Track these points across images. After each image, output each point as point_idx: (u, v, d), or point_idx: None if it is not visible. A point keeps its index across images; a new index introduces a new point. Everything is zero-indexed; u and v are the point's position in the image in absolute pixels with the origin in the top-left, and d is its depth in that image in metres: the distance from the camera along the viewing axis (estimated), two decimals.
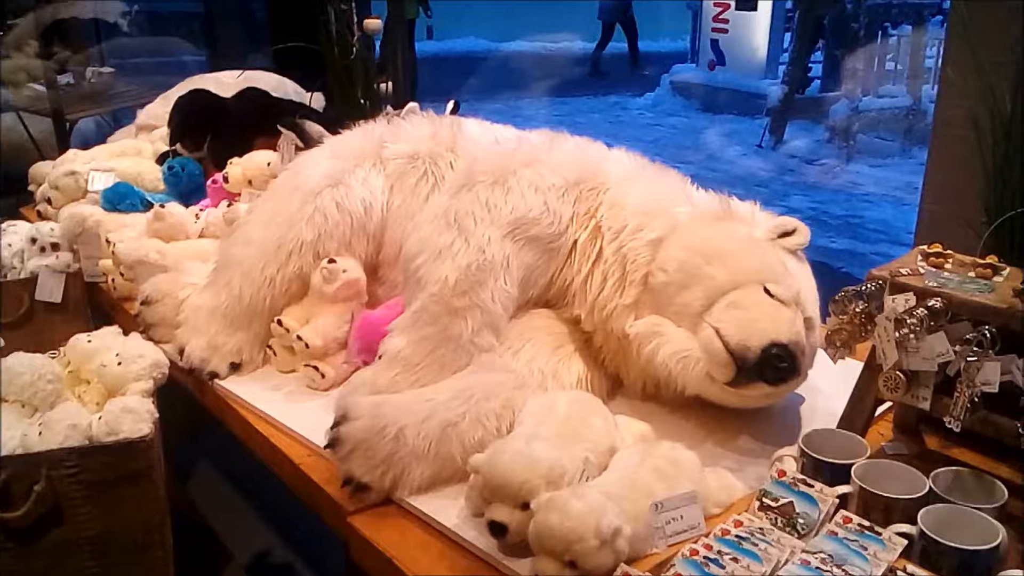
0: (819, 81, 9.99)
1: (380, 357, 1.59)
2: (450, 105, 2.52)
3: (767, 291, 1.54)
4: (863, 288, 1.39)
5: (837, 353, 1.42)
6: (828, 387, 1.72)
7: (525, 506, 1.28)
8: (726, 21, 11.53)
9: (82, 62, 5.21)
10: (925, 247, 1.49)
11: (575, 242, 1.71)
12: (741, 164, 8.51)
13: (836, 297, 1.39)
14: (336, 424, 1.48)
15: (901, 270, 1.41)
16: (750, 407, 1.61)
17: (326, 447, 1.50)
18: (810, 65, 9.61)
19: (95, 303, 2.49)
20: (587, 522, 1.19)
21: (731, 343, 1.50)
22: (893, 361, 1.32)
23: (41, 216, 2.89)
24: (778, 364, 1.49)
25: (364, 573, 1.49)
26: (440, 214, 1.68)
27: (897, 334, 1.31)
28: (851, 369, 1.50)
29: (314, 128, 2.47)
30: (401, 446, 1.45)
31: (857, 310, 1.37)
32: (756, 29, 11.31)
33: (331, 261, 1.85)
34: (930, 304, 1.33)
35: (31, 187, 3.11)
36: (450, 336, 1.57)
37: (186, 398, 1.98)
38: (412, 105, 2.63)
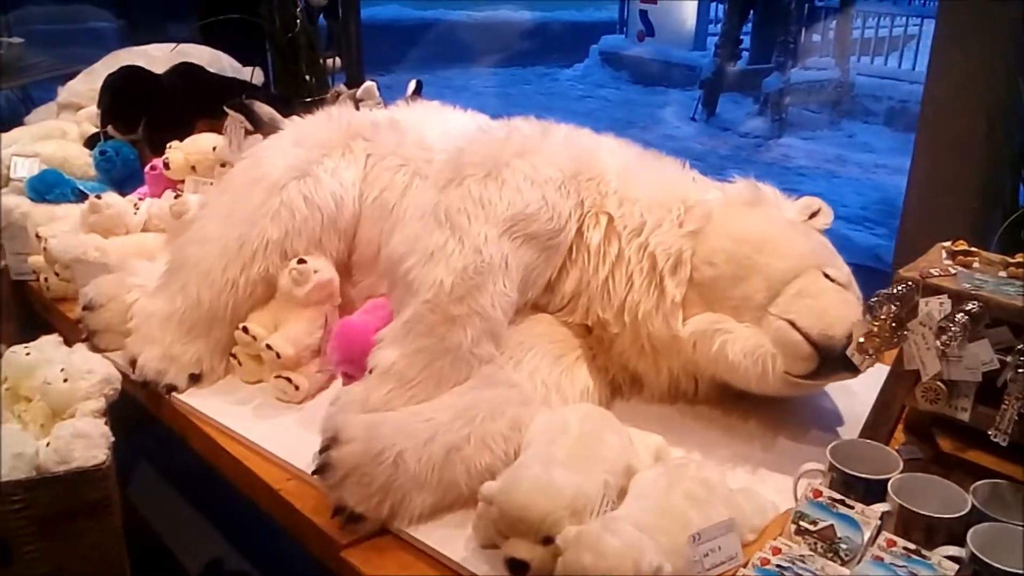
0: (747, 53, 10.04)
1: (370, 371, 1.45)
2: (412, 85, 2.36)
3: (827, 275, 1.50)
4: (893, 291, 1.31)
5: (867, 361, 1.33)
6: (831, 388, 1.66)
7: (547, 540, 1.17)
8: None
9: None
10: (950, 244, 1.42)
11: (588, 243, 1.59)
12: (677, 137, 8.50)
13: (871, 302, 1.30)
14: (326, 447, 1.33)
15: (931, 270, 1.33)
16: (797, 395, 1.59)
17: (314, 473, 1.36)
18: (740, 38, 9.63)
19: (23, 304, 2.28)
20: (625, 562, 1.08)
21: (812, 334, 1.44)
22: (935, 371, 1.25)
23: None
24: None
25: None
26: (429, 211, 1.54)
27: (938, 342, 1.23)
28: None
29: (264, 110, 2.28)
30: (400, 472, 1.31)
31: (891, 314, 1.28)
32: (685, 0, 11.29)
33: (300, 261, 1.69)
34: (968, 308, 1.25)
35: None
36: (448, 347, 1.44)
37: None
38: (369, 84, 2.47)
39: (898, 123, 8.89)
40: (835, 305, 1.47)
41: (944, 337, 1.22)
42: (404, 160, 1.80)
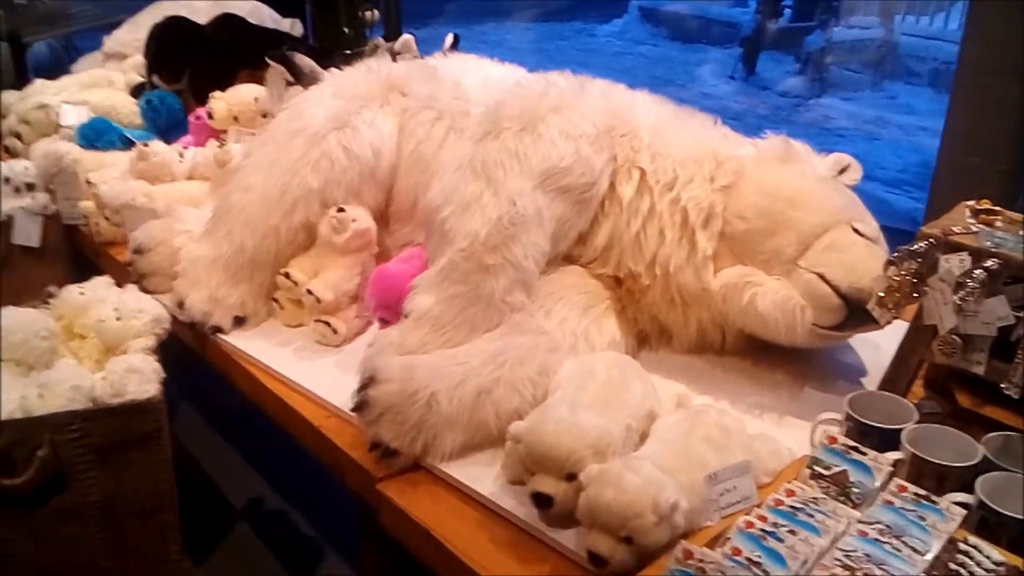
0: (789, 11, 9.85)
1: (406, 316, 1.51)
2: (449, 39, 2.40)
3: (856, 230, 1.53)
4: (915, 247, 1.34)
5: (887, 315, 1.37)
6: (855, 341, 1.70)
7: (571, 477, 1.24)
8: None
9: None
10: (974, 203, 1.44)
11: (620, 197, 1.63)
12: (715, 96, 8.40)
13: (892, 257, 1.34)
14: (364, 386, 1.40)
15: (953, 228, 1.36)
16: (824, 346, 1.64)
17: (353, 410, 1.43)
18: None
19: (74, 247, 2.37)
20: (644, 497, 1.14)
21: (842, 287, 1.48)
22: (951, 325, 1.28)
23: (9, 152, 2.72)
24: None
25: (377, 534, 1.44)
26: (465, 163, 1.58)
27: (956, 297, 1.26)
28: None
29: (304, 62, 2.33)
30: (433, 412, 1.38)
31: (911, 270, 1.32)
32: None
33: (340, 210, 1.75)
34: (987, 265, 1.28)
35: None
36: (481, 294, 1.49)
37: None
38: (407, 37, 2.51)
39: (942, 85, 8.69)
40: (864, 259, 1.50)
41: (962, 292, 1.26)
42: (440, 113, 1.84)
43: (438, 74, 1.91)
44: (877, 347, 1.65)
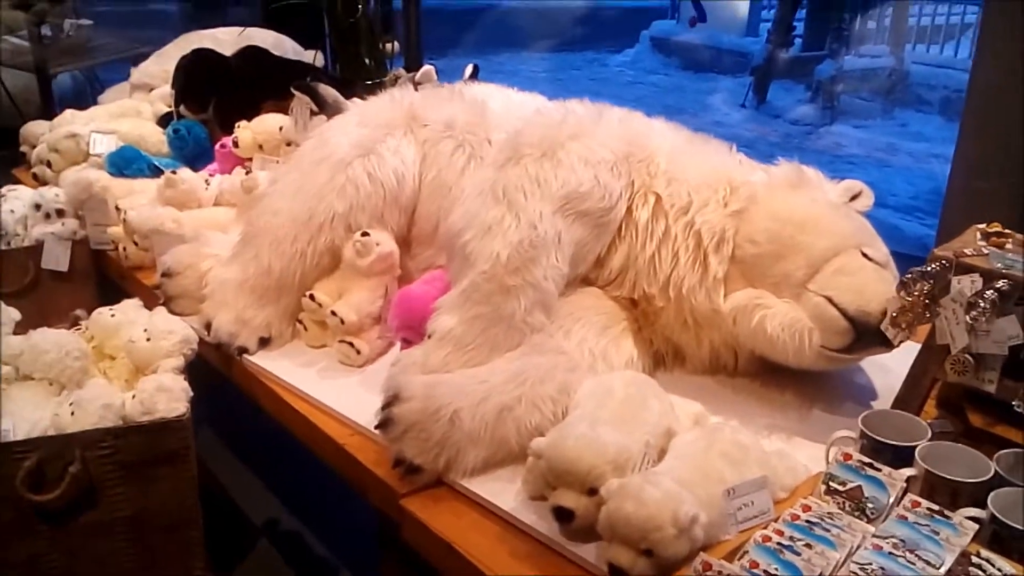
0: (799, 40, 9.94)
1: (429, 336, 1.55)
2: (469, 69, 2.46)
3: (865, 255, 1.56)
4: (927, 269, 1.38)
5: (900, 335, 1.40)
6: (865, 364, 1.73)
7: (592, 491, 1.27)
8: None
9: (60, 13, 5.02)
10: (984, 226, 1.48)
11: (636, 220, 1.67)
12: (726, 124, 8.47)
13: (904, 278, 1.37)
14: (388, 404, 1.44)
15: (964, 250, 1.40)
16: (833, 368, 1.65)
17: (377, 427, 1.46)
18: (794, 24, 9.54)
19: (101, 272, 2.43)
20: (664, 511, 1.17)
21: (850, 310, 1.51)
22: (963, 344, 1.31)
23: (38, 179, 2.79)
24: None
25: (398, 551, 1.47)
26: (487, 188, 1.63)
27: (967, 317, 1.29)
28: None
29: (328, 92, 2.40)
30: (456, 429, 1.42)
31: (924, 291, 1.35)
32: None
33: (364, 234, 1.80)
34: (998, 286, 1.31)
35: (23, 148, 3.01)
36: (502, 315, 1.53)
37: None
38: (427, 68, 2.58)
39: (952, 112, 8.74)
40: (872, 283, 1.53)
41: (974, 312, 1.29)
42: (461, 140, 1.89)
43: (459, 102, 1.96)
44: (887, 369, 1.68)
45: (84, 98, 5.23)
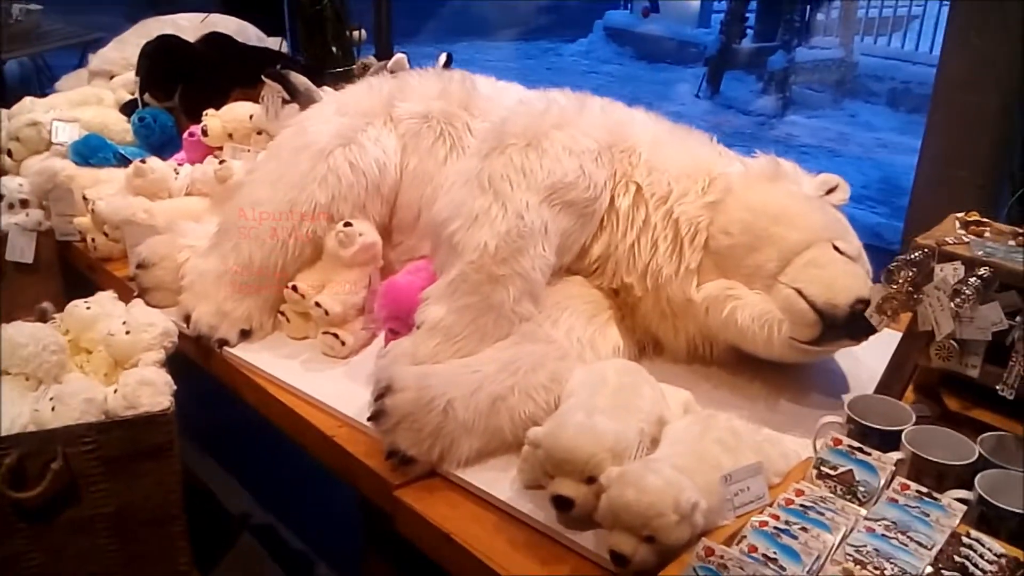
0: (751, 31, 10.06)
1: (418, 327, 1.55)
2: (442, 58, 2.44)
3: (836, 248, 1.57)
4: (911, 257, 1.41)
5: (884, 322, 1.44)
6: (838, 355, 1.76)
7: (590, 480, 1.28)
8: None
9: None
10: (963, 215, 1.52)
11: (617, 209, 1.68)
12: (682, 115, 8.51)
13: (890, 266, 1.40)
14: (380, 395, 1.43)
15: (946, 239, 1.43)
16: (809, 361, 1.66)
17: (369, 419, 1.46)
18: (746, 16, 9.66)
19: (66, 263, 2.37)
20: (666, 497, 1.18)
21: (818, 302, 1.52)
22: (948, 331, 1.35)
23: None
24: (864, 320, 1.48)
25: (380, 542, 1.45)
26: (472, 178, 1.63)
27: (952, 304, 1.33)
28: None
29: (300, 80, 2.36)
30: (450, 419, 1.42)
31: (908, 279, 1.39)
32: None
33: (347, 224, 1.78)
34: (980, 273, 1.35)
35: None
36: (492, 305, 1.54)
37: None
38: (400, 56, 2.56)
39: (900, 103, 8.96)
40: (841, 276, 1.55)
41: (958, 299, 1.32)
42: (441, 128, 1.88)
43: (439, 89, 1.95)
44: (858, 361, 1.71)
45: (31, 85, 5.09)
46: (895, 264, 1.40)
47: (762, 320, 1.57)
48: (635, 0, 12.04)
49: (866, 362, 1.68)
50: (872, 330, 1.51)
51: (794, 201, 1.65)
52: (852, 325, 1.52)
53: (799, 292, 1.55)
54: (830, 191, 1.73)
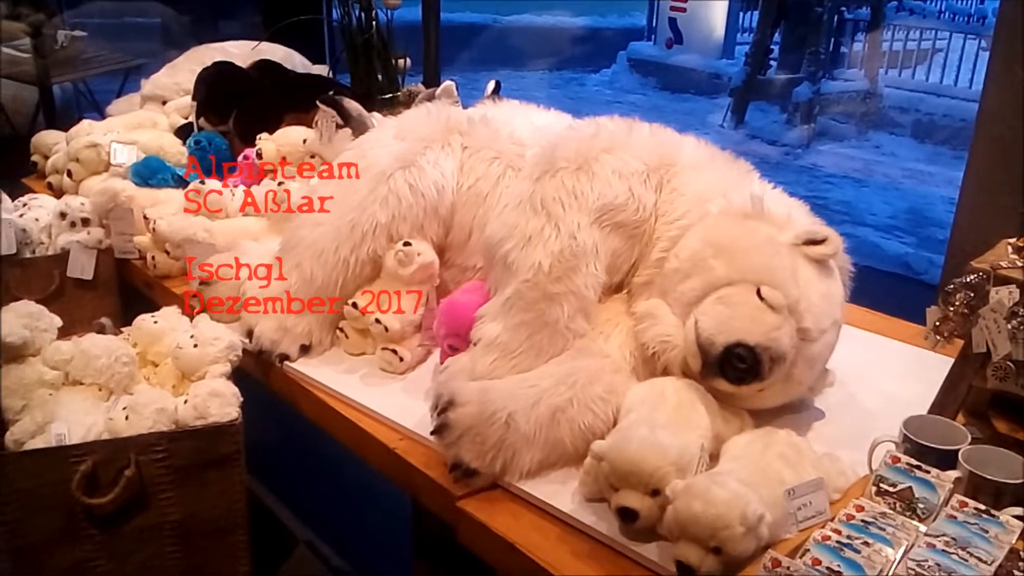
0: (774, 63, 10.14)
1: (475, 344, 1.59)
2: (491, 85, 2.50)
3: (759, 293, 1.50)
4: (967, 280, 1.44)
5: (940, 343, 1.47)
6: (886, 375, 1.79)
7: (655, 492, 1.31)
8: (685, 0, 11.61)
9: (53, 25, 5.01)
10: (1015, 240, 1.55)
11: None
12: None
13: (947, 289, 1.44)
14: (443, 410, 1.47)
15: (1000, 263, 1.47)
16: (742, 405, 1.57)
17: (432, 433, 1.50)
18: (771, 47, 9.75)
19: (123, 280, 2.43)
20: (733, 509, 1.21)
21: (701, 336, 1.49)
22: (1005, 352, 1.38)
23: (53, 189, 2.80)
24: (737, 364, 1.45)
25: (431, 554, 1.46)
26: (525, 200, 1.67)
27: (1009, 326, 1.36)
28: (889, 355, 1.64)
29: (353, 106, 2.43)
30: (511, 432, 1.46)
31: (964, 302, 1.42)
32: (714, 9, 11.42)
33: (406, 244, 1.83)
34: None
35: (34, 158, 3.01)
36: (547, 322, 1.58)
37: None
38: (448, 84, 2.62)
39: (924, 135, 9.00)
40: (741, 319, 1.48)
41: (1015, 321, 1.36)
42: (497, 153, 1.94)
43: (491, 119, 2.01)
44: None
45: (74, 109, 5.21)
46: (952, 286, 1.44)
47: (660, 340, 1.57)
48: (659, 31, 12.18)
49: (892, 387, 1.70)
50: (748, 378, 1.46)
51: (749, 240, 1.58)
52: (725, 366, 1.47)
53: (696, 323, 1.52)
54: (816, 242, 1.59)
